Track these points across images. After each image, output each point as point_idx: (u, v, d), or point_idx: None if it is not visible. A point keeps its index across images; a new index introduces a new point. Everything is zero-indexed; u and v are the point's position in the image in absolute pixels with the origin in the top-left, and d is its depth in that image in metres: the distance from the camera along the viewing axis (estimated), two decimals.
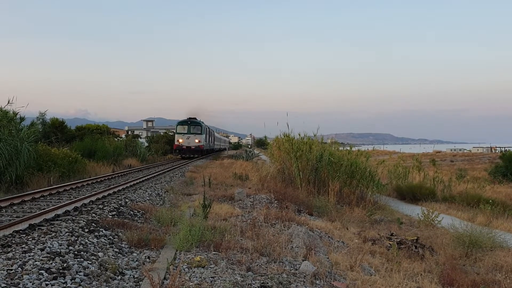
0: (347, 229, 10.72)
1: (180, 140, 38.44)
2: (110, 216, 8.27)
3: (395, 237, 9.92)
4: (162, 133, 56.58)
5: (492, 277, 7.89)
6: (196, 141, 38.57)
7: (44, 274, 4.63)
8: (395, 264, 7.39)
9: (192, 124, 39.73)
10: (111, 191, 11.84)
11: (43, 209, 8.93)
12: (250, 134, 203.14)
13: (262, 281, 5.01)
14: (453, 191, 22.46)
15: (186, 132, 38.92)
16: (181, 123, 39.98)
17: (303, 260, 6.20)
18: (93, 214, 8.22)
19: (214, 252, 6.20)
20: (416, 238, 9.90)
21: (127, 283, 4.84)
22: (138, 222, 8.31)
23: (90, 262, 5.22)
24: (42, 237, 6.14)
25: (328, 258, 6.93)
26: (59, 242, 5.83)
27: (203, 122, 41.30)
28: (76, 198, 10.64)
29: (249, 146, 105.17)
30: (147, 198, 11.70)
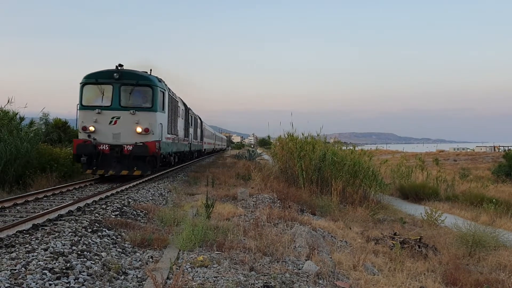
0: (350, 228, 10.71)
1: (91, 128, 15.00)
2: (113, 216, 8.28)
3: (398, 236, 9.91)
4: None
5: (496, 277, 7.87)
6: (138, 130, 15.05)
7: (47, 274, 4.64)
8: (398, 264, 7.38)
9: (126, 81, 15.38)
10: (114, 191, 11.86)
11: (46, 209, 8.95)
12: (253, 134, 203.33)
13: (265, 281, 5.01)
14: (456, 191, 22.45)
15: (109, 104, 15.20)
16: (94, 77, 15.46)
17: (306, 260, 6.20)
18: (96, 214, 8.23)
19: (217, 252, 6.20)
20: (419, 237, 9.89)
21: (130, 283, 4.84)
22: (141, 222, 8.32)
23: (93, 262, 5.23)
24: (45, 237, 6.15)
25: (331, 257, 6.92)
26: (62, 242, 5.84)
27: (162, 81, 17.03)
28: (79, 198, 10.66)
29: (252, 146, 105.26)
30: (150, 198, 11.71)
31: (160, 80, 16.57)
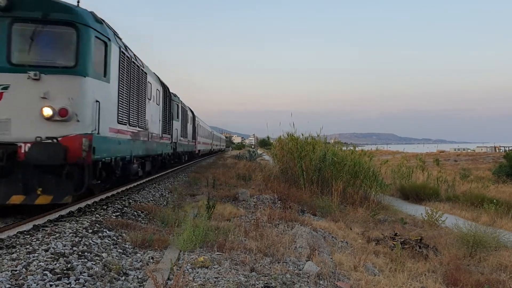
0: (351, 229, 10.71)
1: None
2: (114, 217, 8.28)
3: (399, 237, 9.91)
4: None
5: (497, 277, 7.87)
6: (47, 111, 7.63)
7: (48, 274, 4.64)
8: (399, 264, 7.38)
9: (23, 14, 7.75)
10: (114, 192, 11.86)
11: (47, 210, 8.94)
12: (253, 135, 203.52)
13: (265, 282, 5.01)
14: (457, 191, 22.46)
15: None
16: None
17: (306, 261, 6.20)
18: (97, 215, 8.23)
19: (217, 253, 6.20)
20: (420, 238, 9.89)
21: (131, 284, 4.84)
22: (142, 223, 8.32)
23: (94, 263, 5.23)
24: (46, 238, 6.15)
25: (331, 258, 6.93)
26: (63, 242, 5.84)
27: (105, 24, 9.17)
28: (79, 198, 10.64)
29: (252, 146, 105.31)
30: (151, 198, 11.72)
31: (99, 21, 8.94)
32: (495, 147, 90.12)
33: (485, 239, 9.74)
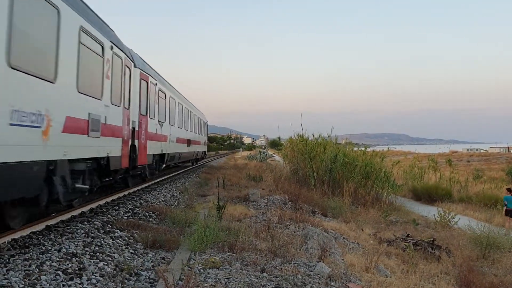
0: (362, 230, 10.65)
1: None
2: (125, 218, 8.32)
3: (411, 238, 9.84)
4: None
5: (511, 279, 7.77)
6: None
7: (61, 274, 4.68)
8: (411, 266, 7.32)
9: None
10: (126, 193, 11.92)
11: (59, 210, 9.02)
12: (264, 135, 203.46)
13: (277, 283, 5.00)
14: (469, 192, 22.25)
15: None
16: None
17: (318, 262, 6.17)
18: (109, 216, 8.28)
19: (228, 253, 6.20)
20: (432, 239, 9.81)
21: (142, 284, 4.86)
22: (153, 223, 8.35)
23: (105, 263, 5.26)
24: (58, 238, 6.21)
25: (343, 259, 6.89)
26: (75, 243, 5.89)
27: None
28: (91, 199, 10.72)
29: (263, 147, 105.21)
30: (162, 199, 11.75)
31: None
32: (508, 148, 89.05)
33: (498, 241, 9.63)
